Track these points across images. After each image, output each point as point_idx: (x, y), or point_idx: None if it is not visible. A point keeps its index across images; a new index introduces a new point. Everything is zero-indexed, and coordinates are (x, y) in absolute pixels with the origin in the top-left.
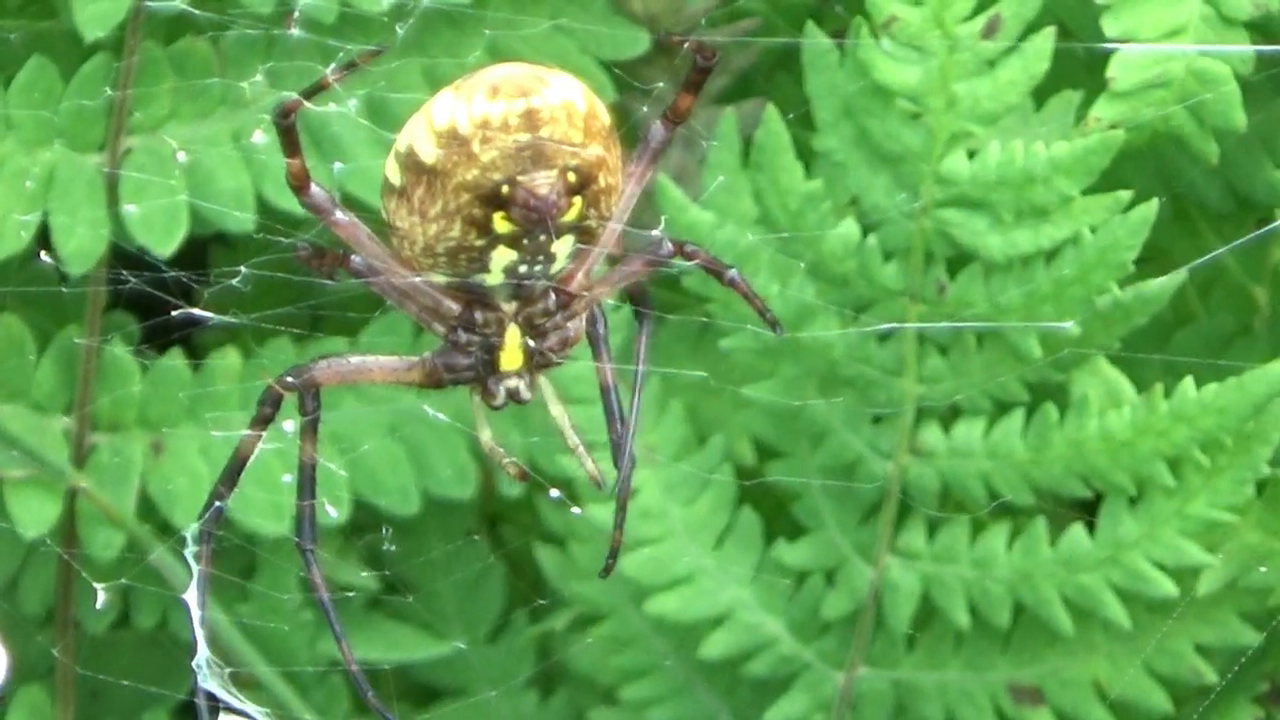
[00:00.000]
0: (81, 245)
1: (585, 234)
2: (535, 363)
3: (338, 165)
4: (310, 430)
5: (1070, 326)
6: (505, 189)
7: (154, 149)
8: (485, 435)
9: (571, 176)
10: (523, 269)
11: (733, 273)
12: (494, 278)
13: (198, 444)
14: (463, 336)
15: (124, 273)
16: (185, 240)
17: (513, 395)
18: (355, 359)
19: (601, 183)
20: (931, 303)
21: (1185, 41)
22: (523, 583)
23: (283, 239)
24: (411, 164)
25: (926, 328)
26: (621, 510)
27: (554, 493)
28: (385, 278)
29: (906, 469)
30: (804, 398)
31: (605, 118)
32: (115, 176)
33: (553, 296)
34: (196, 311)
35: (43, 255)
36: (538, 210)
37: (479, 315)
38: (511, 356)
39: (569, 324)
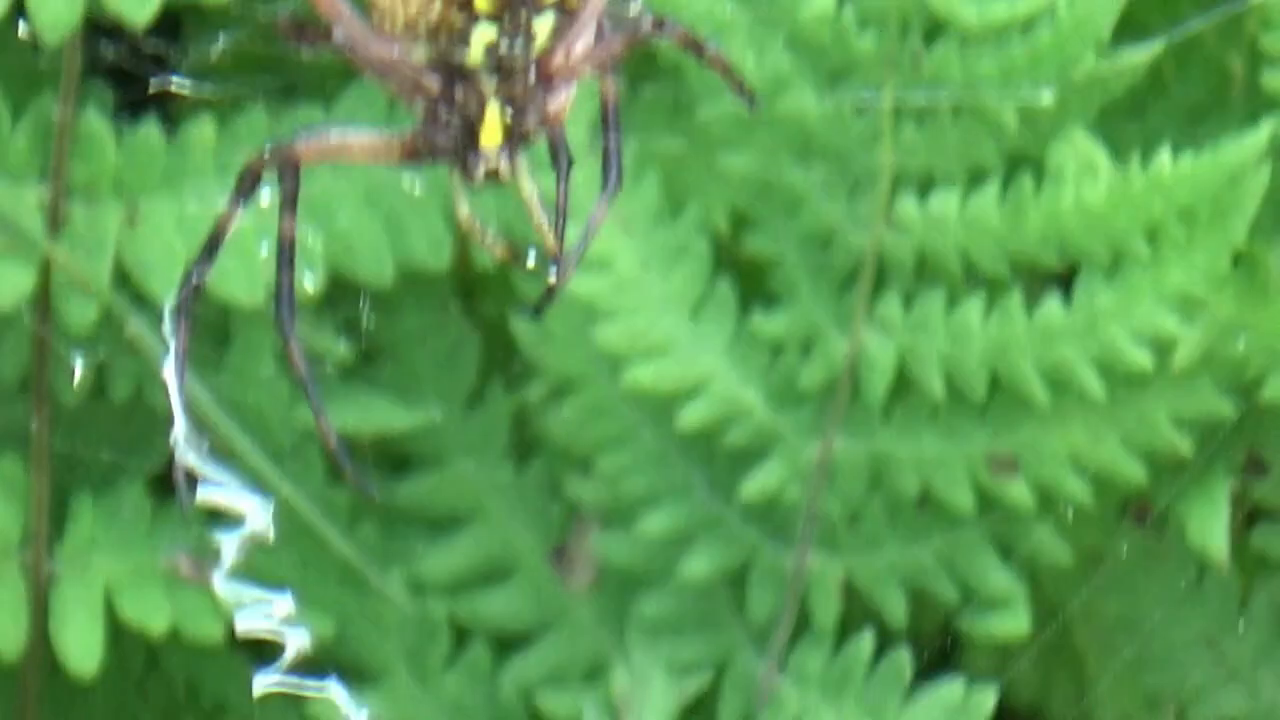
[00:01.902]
0: (56, 14)
1: (565, 11)
2: (515, 139)
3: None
4: (289, 204)
5: (1047, 96)
6: None
7: None
8: (464, 210)
9: None
10: (503, 46)
11: (711, 48)
12: (474, 55)
13: (173, 214)
14: (443, 112)
15: (102, 42)
16: (160, 9)
17: (492, 173)
18: (336, 132)
19: None
20: (907, 73)
21: None
22: (498, 353)
23: (258, 10)
24: None
25: (902, 97)
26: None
27: (530, 260)
28: (365, 53)
29: (882, 240)
30: (780, 168)
31: None
32: None
33: (532, 73)
34: (174, 81)
35: (20, 26)
36: None
37: (459, 92)
38: (491, 132)
39: (549, 102)
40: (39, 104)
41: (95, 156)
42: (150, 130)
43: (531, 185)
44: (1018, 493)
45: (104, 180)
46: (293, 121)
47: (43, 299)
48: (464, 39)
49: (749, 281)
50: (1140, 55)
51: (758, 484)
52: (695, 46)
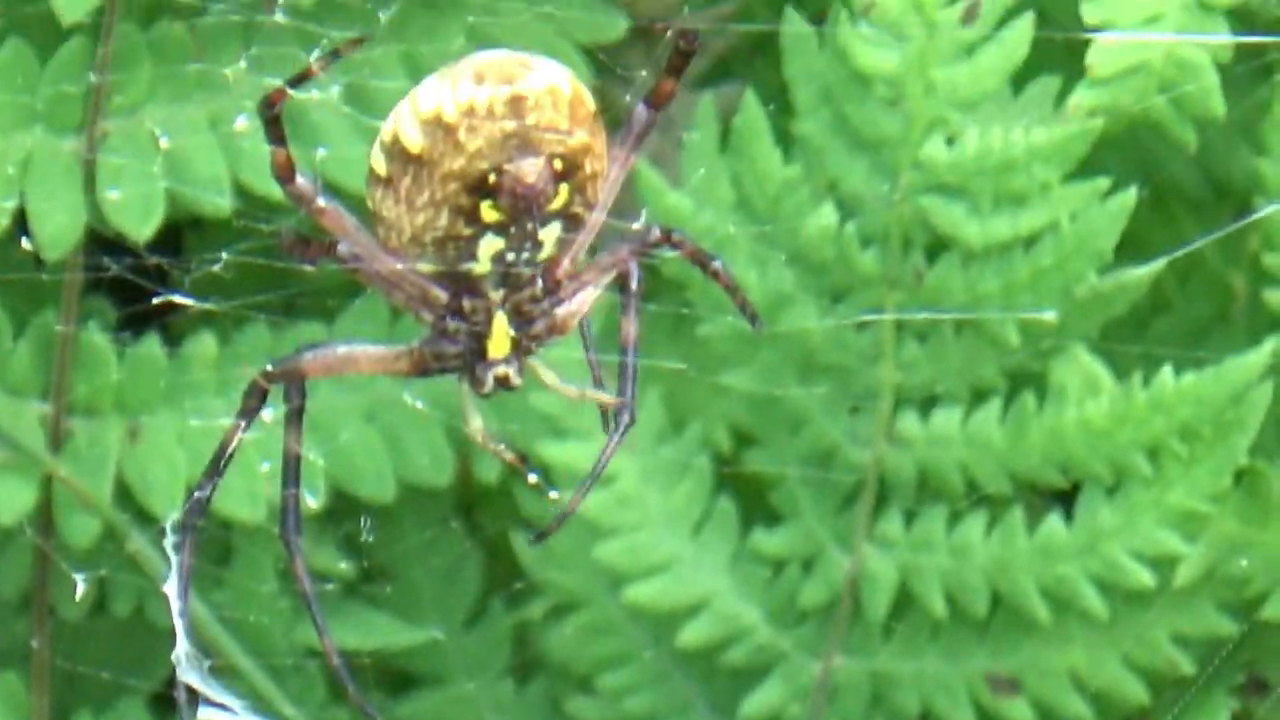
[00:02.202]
0: (58, 229)
1: (572, 220)
2: (522, 349)
3: (320, 151)
4: (294, 420)
5: (1049, 314)
6: (493, 177)
7: (131, 133)
8: (475, 423)
9: (558, 163)
10: (510, 256)
11: (717, 263)
12: (482, 266)
13: (175, 430)
14: (450, 324)
15: (104, 259)
16: (162, 225)
17: (501, 382)
18: (342, 348)
19: (588, 169)
20: (909, 290)
21: (1164, 28)
22: (499, 570)
23: (261, 225)
24: (397, 153)
25: (904, 315)
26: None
27: (532, 476)
28: (371, 266)
29: (884, 457)
30: (782, 385)
31: (590, 103)
32: (93, 160)
33: (539, 283)
34: (176, 297)
35: (23, 242)
36: (526, 198)
37: (466, 303)
38: (499, 344)
39: (556, 311)
40: (41, 319)
41: (97, 372)
42: (152, 346)
43: (551, 375)
44: (1019, 712)
45: (105, 396)
46: (294, 337)
47: (44, 514)
48: (471, 250)
49: (750, 499)
50: (1142, 273)
51: (759, 703)
52: (701, 260)
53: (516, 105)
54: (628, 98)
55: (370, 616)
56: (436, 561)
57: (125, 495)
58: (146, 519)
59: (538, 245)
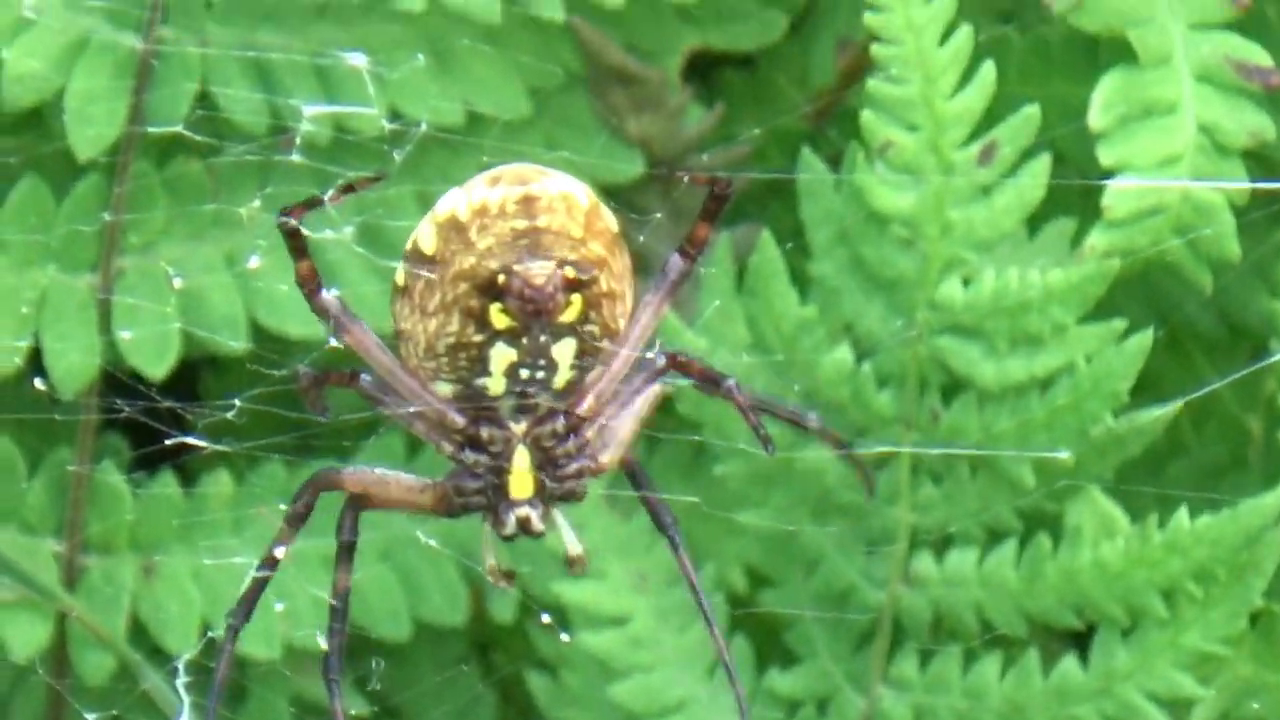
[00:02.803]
0: (73, 368)
1: (588, 344)
2: (548, 493)
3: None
4: (345, 556)
5: (1065, 455)
6: (501, 278)
7: (147, 270)
8: (490, 562)
9: (570, 271)
10: (524, 373)
11: (730, 382)
12: (496, 383)
13: (189, 568)
14: (470, 455)
15: (117, 401)
16: (177, 364)
17: (524, 525)
18: (378, 470)
19: (604, 285)
20: (925, 430)
21: (1180, 169)
22: (513, 710)
23: (276, 368)
24: (414, 257)
25: (920, 452)
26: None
27: (545, 616)
28: (392, 398)
29: (899, 598)
30: (797, 525)
31: (611, 223)
32: (108, 299)
33: (561, 419)
34: (190, 439)
35: (36, 381)
36: (533, 301)
37: (485, 431)
38: (521, 483)
39: (581, 455)
40: (55, 457)
41: (111, 510)
42: (167, 484)
43: (573, 538)
44: None
45: (120, 533)
46: (309, 474)
47: (58, 652)
48: (484, 361)
49: (765, 639)
50: (1158, 414)
51: None
52: (712, 379)
53: (529, 205)
54: (641, 238)
55: None
56: (451, 703)
57: (140, 633)
58: (161, 656)
59: (552, 364)
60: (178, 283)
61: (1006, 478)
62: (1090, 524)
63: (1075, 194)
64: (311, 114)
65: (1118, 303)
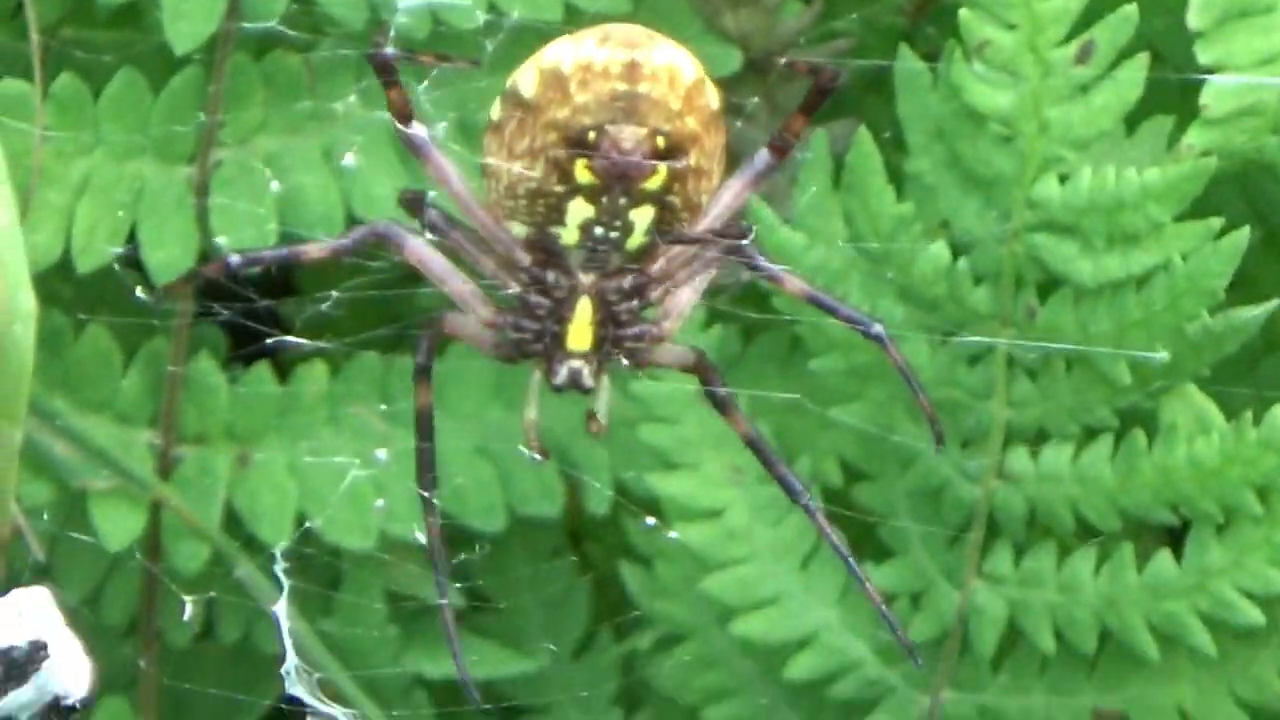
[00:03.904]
0: (169, 259)
1: (667, 212)
2: (604, 352)
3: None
4: (424, 377)
5: (1161, 357)
6: (592, 135)
7: (243, 163)
8: (531, 413)
9: (660, 141)
10: (598, 230)
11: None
12: (569, 234)
13: (285, 461)
14: (533, 297)
15: (214, 306)
16: None
17: (574, 378)
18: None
19: (692, 160)
20: (1021, 327)
21: (1278, 70)
22: (607, 602)
23: (370, 263)
24: (512, 98)
25: (1016, 348)
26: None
27: (649, 520)
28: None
29: (994, 493)
30: (892, 420)
31: (712, 100)
32: (204, 188)
33: (629, 277)
34: (289, 338)
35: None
36: (620, 165)
37: (552, 275)
38: (580, 333)
39: (642, 321)
40: (151, 349)
41: (207, 400)
42: (263, 377)
43: (605, 408)
44: None
45: (215, 425)
46: (405, 369)
47: (152, 541)
48: (560, 212)
49: (859, 533)
50: (1255, 313)
51: None
52: (778, 280)
53: (632, 71)
54: (739, 123)
55: (479, 645)
56: (545, 591)
57: (233, 522)
58: (254, 546)
59: (628, 227)
60: (275, 185)
61: (1102, 375)
62: (1185, 421)
63: (1173, 92)
64: (407, 7)
65: (1214, 201)
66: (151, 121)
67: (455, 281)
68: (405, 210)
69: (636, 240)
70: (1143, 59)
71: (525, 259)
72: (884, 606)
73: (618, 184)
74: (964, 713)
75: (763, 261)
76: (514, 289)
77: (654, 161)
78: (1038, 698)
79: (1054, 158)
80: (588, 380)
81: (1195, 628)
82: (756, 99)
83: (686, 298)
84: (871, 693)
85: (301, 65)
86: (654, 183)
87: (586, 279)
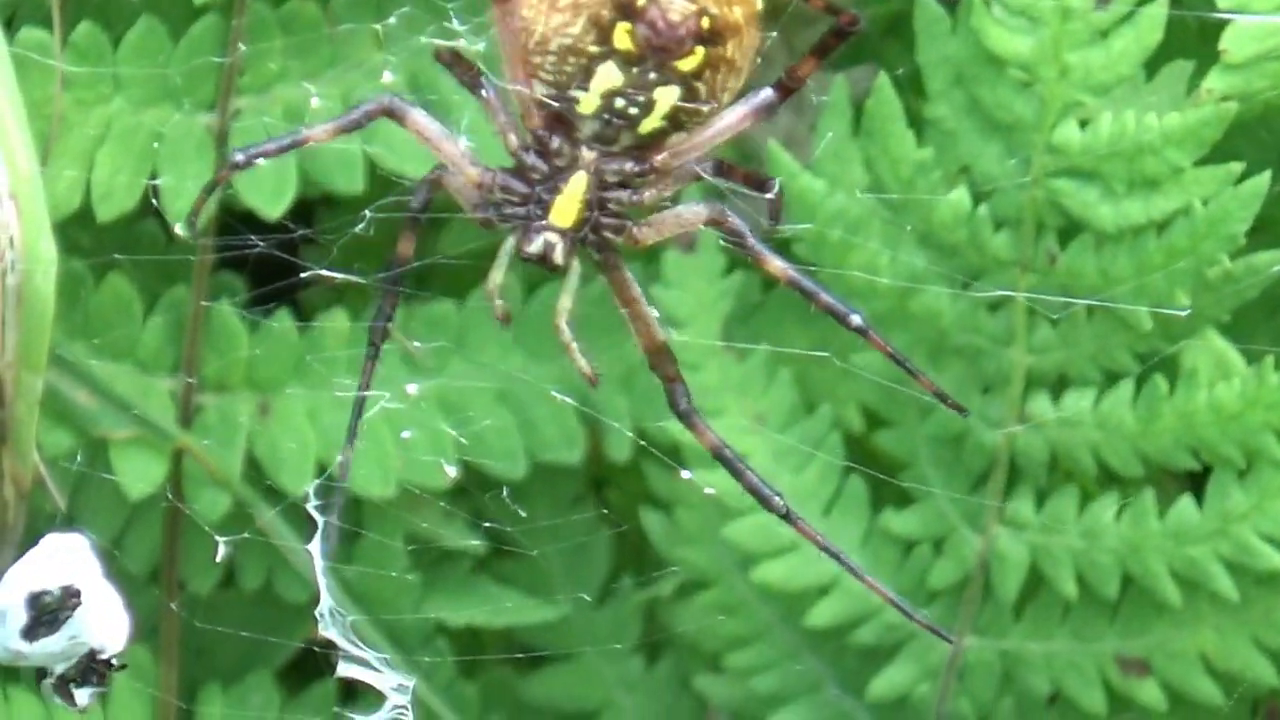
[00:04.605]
0: (189, 204)
1: (689, 100)
2: (583, 233)
3: (464, 141)
4: (411, 223)
5: (1181, 297)
6: (641, 1)
7: (263, 109)
8: (496, 279)
9: (706, 22)
10: (619, 102)
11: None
12: (589, 101)
13: (305, 406)
14: (531, 159)
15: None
16: (294, 202)
17: (547, 250)
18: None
19: (728, 51)
20: (1042, 272)
21: None
22: (628, 547)
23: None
24: None
25: (1036, 297)
26: None
27: (685, 473)
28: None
29: (1015, 439)
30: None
31: (758, 2)
32: (225, 133)
33: (631, 162)
34: (323, 271)
35: (177, 229)
36: (662, 35)
37: (556, 142)
38: (566, 207)
39: (627, 216)
40: (172, 295)
41: (228, 347)
42: (283, 322)
43: (568, 302)
44: (1148, 693)
45: (236, 371)
46: (426, 313)
47: (174, 488)
48: (588, 76)
49: (881, 478)
50: (1275, 257)
51: (888, 682)
52: (762, 258)
53: None
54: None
55: (500, 592)
56: (566, 538)
57: (255, 470)
58: (275, 494)
59: (649, 105)
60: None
61: (1123, 320)
62: (1206, 366)
63: (1193, 38)
64: None
65: (1235, 146)
66: (171, 70)
67: (449, 145)
68: (444, 66)
69: (652, 123)
70: (1162, 3)
71: (538, 119)
72: (892, 595)
73: (654, 56)
74: (986, 658)
75: (752, 241)
76: (514, 144)
77: (695, 43)
78: (1060, 643)
79: (1074, 103)
80: (559, 256)
81: (1217, 573)
82: (774, 34)
83: (672, 220)
84: (893, 638)
85: (319, 11)
86: (690, 63)
87: (589, 154)
